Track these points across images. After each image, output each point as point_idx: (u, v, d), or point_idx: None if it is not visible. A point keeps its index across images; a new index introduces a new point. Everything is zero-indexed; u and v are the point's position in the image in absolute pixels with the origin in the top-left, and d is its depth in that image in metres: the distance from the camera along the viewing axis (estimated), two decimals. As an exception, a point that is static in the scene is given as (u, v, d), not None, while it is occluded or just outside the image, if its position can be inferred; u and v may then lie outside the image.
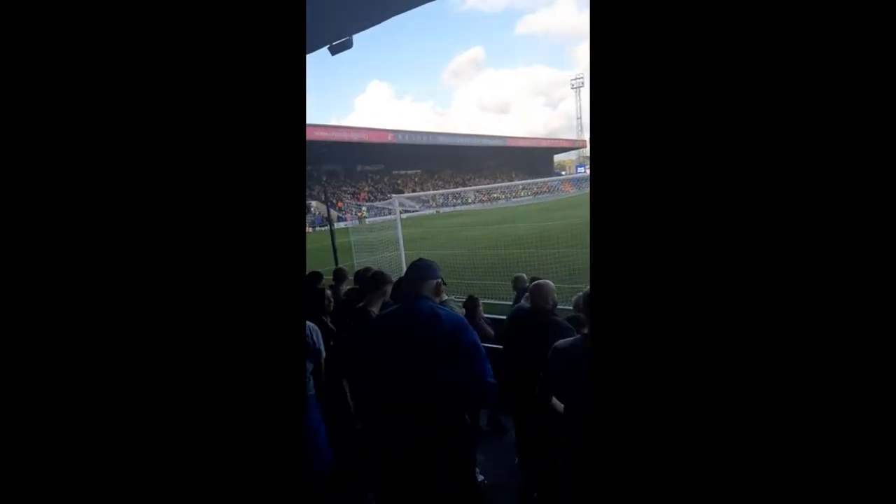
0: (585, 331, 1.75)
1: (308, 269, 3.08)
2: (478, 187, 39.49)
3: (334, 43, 5.91)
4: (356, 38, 5.95)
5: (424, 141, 45.48)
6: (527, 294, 2.48)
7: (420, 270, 1.87)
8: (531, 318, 2.35)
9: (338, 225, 20.67)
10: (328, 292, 3.21)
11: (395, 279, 2.87)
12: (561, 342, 1.76)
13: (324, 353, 2.62)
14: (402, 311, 1.85)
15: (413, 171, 48.21)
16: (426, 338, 1.71)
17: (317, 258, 9.83)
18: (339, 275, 4.07)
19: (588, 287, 1.74)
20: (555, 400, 1.90)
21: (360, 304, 2.69)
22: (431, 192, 33.15)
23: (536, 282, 2.42)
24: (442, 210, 32.48)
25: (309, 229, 25.62)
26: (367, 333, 2.00)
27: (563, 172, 62.50)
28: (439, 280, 1.90)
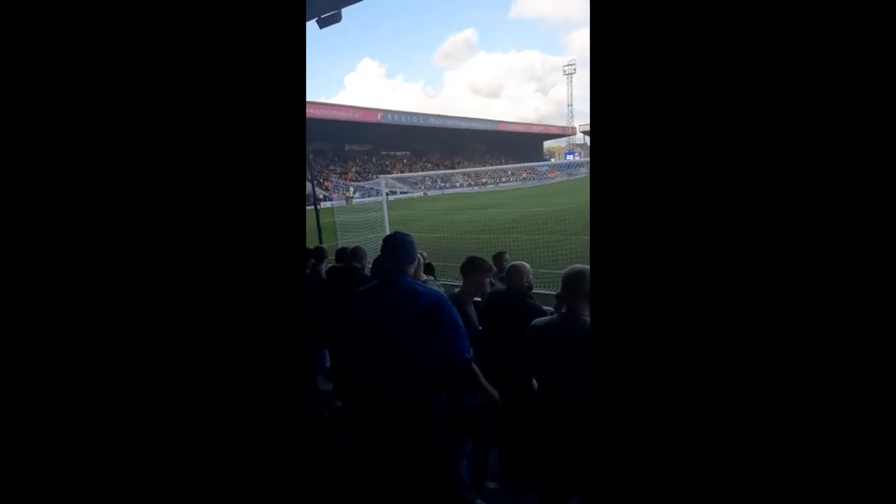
0: (564, 310, 1.77)
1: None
2: (466, 170, 39.18)
3: (322, 16, 5.79)
4: (346, 12, 5.83)
5: (414, 122, 44.84)
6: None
7: (398, 247, 1.86)
8: (506, 299, 2.36)
9: (324, 205, 20.40)
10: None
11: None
12: (537, 321, 1.77)
13: None
14: (381, 287, 1.85)
15: (402, 153, 47.53)
16: (405, 313, 1.72)
17: (301, 237, 9.69)
18: (318, 253, 4.03)
19: (567, 268, 1.75)
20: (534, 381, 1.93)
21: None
22: (420, 173, 32.91)
23: (512, 263, 2.43)
24: (430, 193, 32.26)
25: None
26: (348, 309, 2.00)
27: (553, 159, 62.41)
28: (419, 257, 1.89)
